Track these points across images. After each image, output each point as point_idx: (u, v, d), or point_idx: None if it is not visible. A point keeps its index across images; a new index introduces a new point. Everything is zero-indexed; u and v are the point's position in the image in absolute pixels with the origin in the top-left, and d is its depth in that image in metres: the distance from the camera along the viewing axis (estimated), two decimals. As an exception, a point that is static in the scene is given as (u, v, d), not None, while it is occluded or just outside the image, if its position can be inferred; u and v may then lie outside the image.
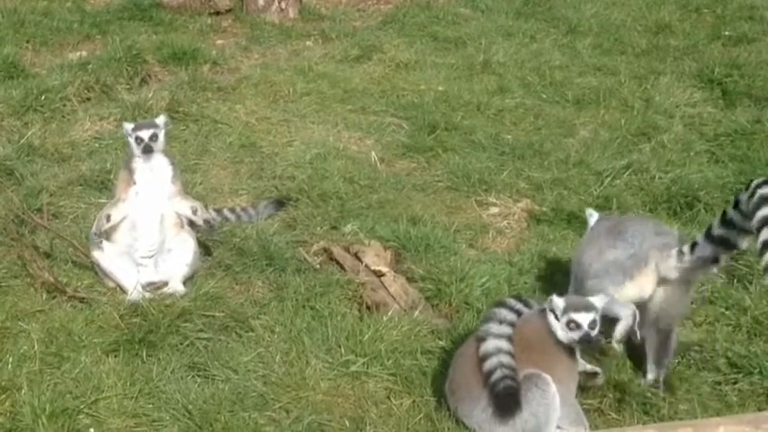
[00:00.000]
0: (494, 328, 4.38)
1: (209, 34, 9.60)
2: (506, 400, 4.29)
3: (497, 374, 4.30)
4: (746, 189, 4.37)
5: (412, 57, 9.03)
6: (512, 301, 4.51)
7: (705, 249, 4.58)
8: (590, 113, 7.93)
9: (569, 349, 4.46)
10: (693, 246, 4.61)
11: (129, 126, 5.66)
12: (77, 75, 8.06)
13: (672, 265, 4.65)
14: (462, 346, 4.65)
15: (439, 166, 7.02)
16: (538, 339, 4.46)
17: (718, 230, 4.53)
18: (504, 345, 4.35)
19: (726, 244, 4.55)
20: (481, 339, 4.39)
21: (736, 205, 4.45)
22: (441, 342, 5.05)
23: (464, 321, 5.19)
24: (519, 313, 4.48)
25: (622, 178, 6.73)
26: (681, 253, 4.64)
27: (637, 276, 4.70)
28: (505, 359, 4.32)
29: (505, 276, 5.57)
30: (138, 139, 5.55)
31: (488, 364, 4.33)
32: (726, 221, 4.50)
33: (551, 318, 4.43)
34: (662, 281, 4.71)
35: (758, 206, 4.30)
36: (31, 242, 5.78)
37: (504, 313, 4.42)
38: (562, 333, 4.41)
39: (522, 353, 4.38)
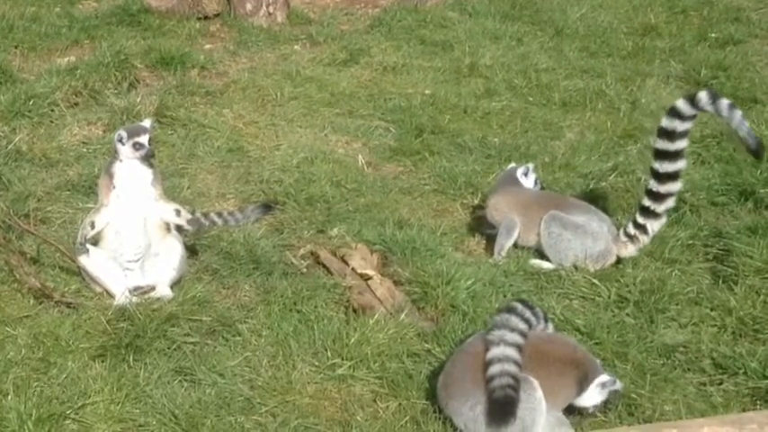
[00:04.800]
0: (507, 335, 4.37)
1: (198, 39, 9.57)
2: (503, 409, 4.30)
3: (501, 381, 4.30)
4: None
5: (399, 60, 9.03)
6: (521, 308, 4.50)
7: None
8: (576, 116, 7.94)
9: None
10: None
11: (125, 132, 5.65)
12: (66, 80, 8.03)
13: None
14: (464, 343, 4.67)
15: (426, 170, 7.03)
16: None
17: None
18: (514, 354, 4.35)
19: None
20: (492, 344, 4.37)
21: None
22: (426, 345, 5.06)
23: (450, 324, 5.19)
24: (528, 321, 4.49)
25: (608, 180, 6.74)
26: None
27: None
28: (512, 368, 4.32)
29: (491, 279, 5.58)
30: (138, 145, 5.59)
31: (493, 369, 4.33)
32: None
33: None
34: None
35: None
36: (19, 247, 5.79)
37: (516, 321, 4.42)
38: None
39: (532, 362, 4.43)
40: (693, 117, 5.53)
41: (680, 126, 5.51)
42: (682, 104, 5.51)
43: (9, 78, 8.25)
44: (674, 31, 9.75)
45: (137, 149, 5.58)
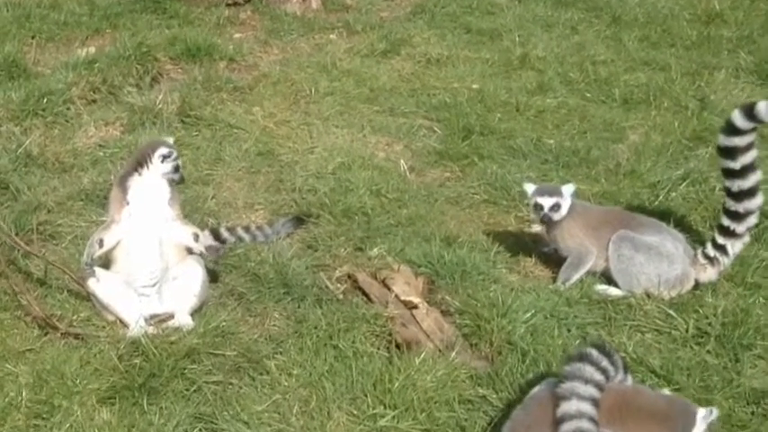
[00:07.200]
0: (579, 388, 3.81)
1: (227, 27, 9.03)
2: None
3: None
4: None
5: (444, 51, 8.45)
6: (596, 355, 3.91)
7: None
8: (640, 115, 7.29)
9: None
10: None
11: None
12: (83, 74, 7.49)
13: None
14: (535, 389, 4.10)
15: (475, 176, 6.41)
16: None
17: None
18: (588, 409, 3.79)
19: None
20: (563, 398, 3.82)
21: None
22: (480, 390, 4.47)
23: (507, 365, 4.58)
24: (605, 371, 3.90)
25: (678, 190, 6.09)
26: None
27: None
28: (587, 425, 3.76)
29: (552, 309, 4.95)
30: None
31: (565, 428, 3.78)
32: None
33: None
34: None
35: None
36: (25, 267, 5.25)
37: (591, 371, 3.85)
38: None
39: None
40: (753, 130, 4.98)
41: (740, 141, 4.99)
42: (738, 118, 4.96)
43: (23, 73, 7.71)
44: (740, 19, 9.14)
45: (176, 171, 5.20)
